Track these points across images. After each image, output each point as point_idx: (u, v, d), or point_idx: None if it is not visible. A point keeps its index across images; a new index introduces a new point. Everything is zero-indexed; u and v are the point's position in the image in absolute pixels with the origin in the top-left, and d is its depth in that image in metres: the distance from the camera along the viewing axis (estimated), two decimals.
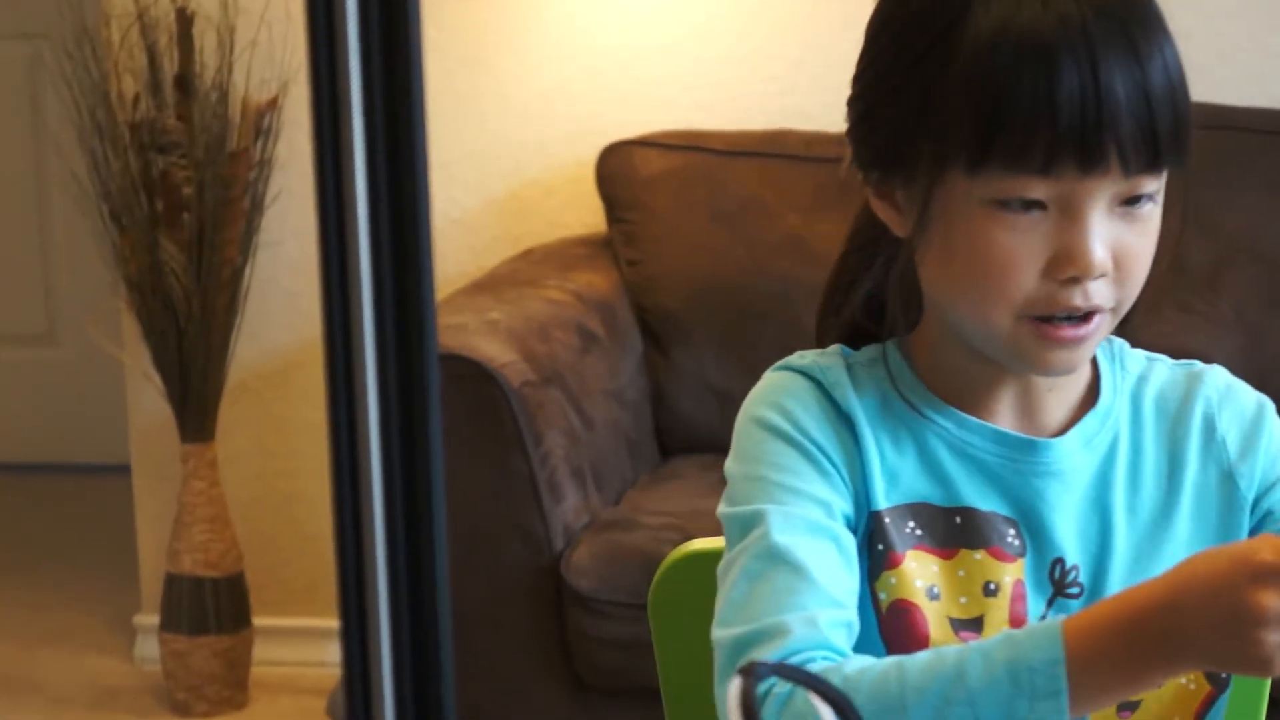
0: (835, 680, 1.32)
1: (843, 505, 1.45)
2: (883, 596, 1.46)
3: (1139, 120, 1.36)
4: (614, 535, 3.11)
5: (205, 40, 3.72)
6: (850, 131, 1.47)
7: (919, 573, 1.46)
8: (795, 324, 3.12)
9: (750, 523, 1.43)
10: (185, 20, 3.69)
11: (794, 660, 1.35)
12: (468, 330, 3.14)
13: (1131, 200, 1.39)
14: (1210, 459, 1.51)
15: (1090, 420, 1.50)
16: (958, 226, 1.40)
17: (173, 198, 3.64)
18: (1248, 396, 1.53)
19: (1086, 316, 1.41)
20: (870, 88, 1.45)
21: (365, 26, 1.02)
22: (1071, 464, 1.49)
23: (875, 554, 1.46)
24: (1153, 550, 1.48)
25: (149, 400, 3.91)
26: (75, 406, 5.42)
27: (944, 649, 1.35)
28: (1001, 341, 1.43)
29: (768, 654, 1.36)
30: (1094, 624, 1.31)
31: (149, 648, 4.00)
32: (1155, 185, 1.40)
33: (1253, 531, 1.50)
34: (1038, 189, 1.37)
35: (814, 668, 1.35)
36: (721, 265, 3.55)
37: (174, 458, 3.84)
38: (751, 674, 1.16)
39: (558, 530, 3.10)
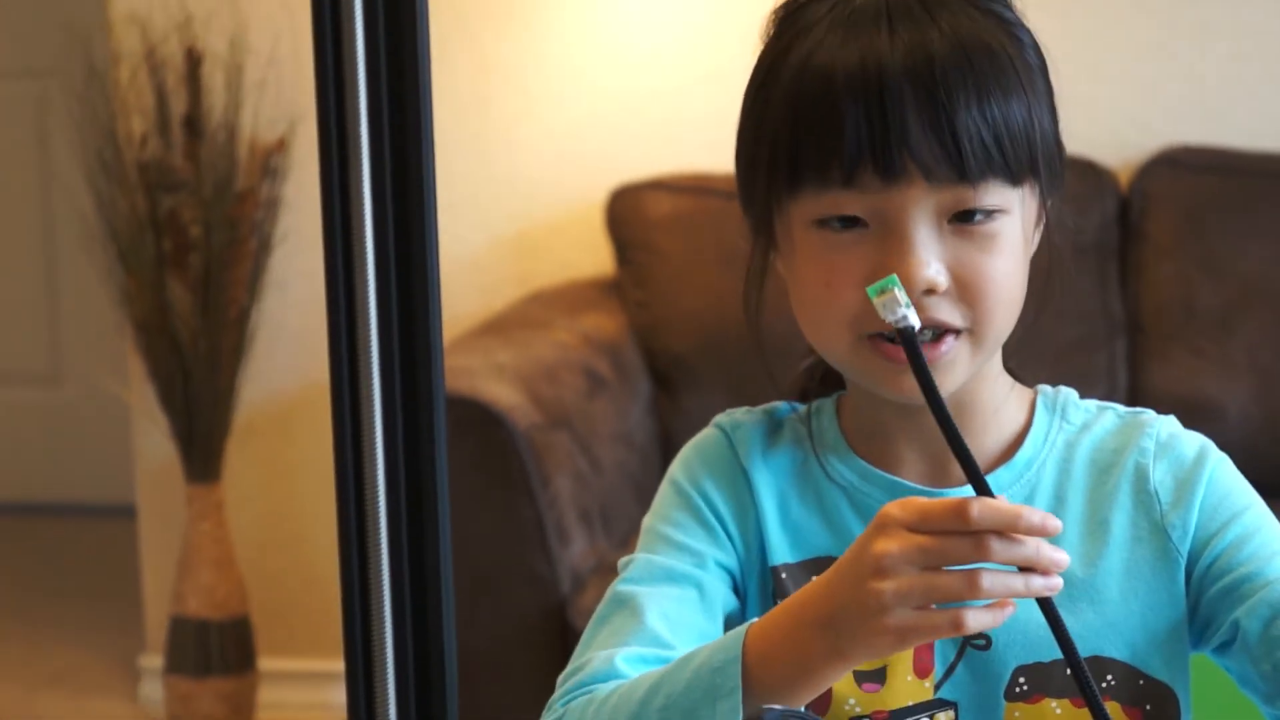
0: (592, 706, 1.36)
1: (720, 556, 1.48)
2: None
3: (938, 134, 1.35)
4: None
5: (213, 80, 3.72)
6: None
7: None
8: None
9: (623, 569, 1.49)
10: (193, 60, 3.69)
11: (578, 693, 1.39)
12: (475, 373, 3.13)
13: (965, 215, 1.38)
14: (1141, 511, 1.46)
15: (1003, 473, 1.47)
16: (791, 253, 1.45)
17: (180, 238, 3.63)
18: (1189, 446, 1.48)
19: (937, 340, 1.39)
20: (737, 131, 1.49)
21: (373, 67, 1.01)
22: None
23: None
24: (1070, 605, 1.43)
25: (154, 441, 3.90)
26: (80, 447, 5.41)
27: (683, 656, 1.36)
28: (850, 364, 1.44)
29: (568, 686, 1.41)
30: (773, 620, 1.31)
31: (153, 690, 3.98)
32: (995, 200, 1.38)
33: (1201, 593, 1.44)
34: (850, 204, 1.38)
35: (577, 700, 1.38)
36: (730, 308, 3.52)
37: (179, 499, 3.83)
38: (758, 719, 1.16)
39: (565, 574, 3.08)
